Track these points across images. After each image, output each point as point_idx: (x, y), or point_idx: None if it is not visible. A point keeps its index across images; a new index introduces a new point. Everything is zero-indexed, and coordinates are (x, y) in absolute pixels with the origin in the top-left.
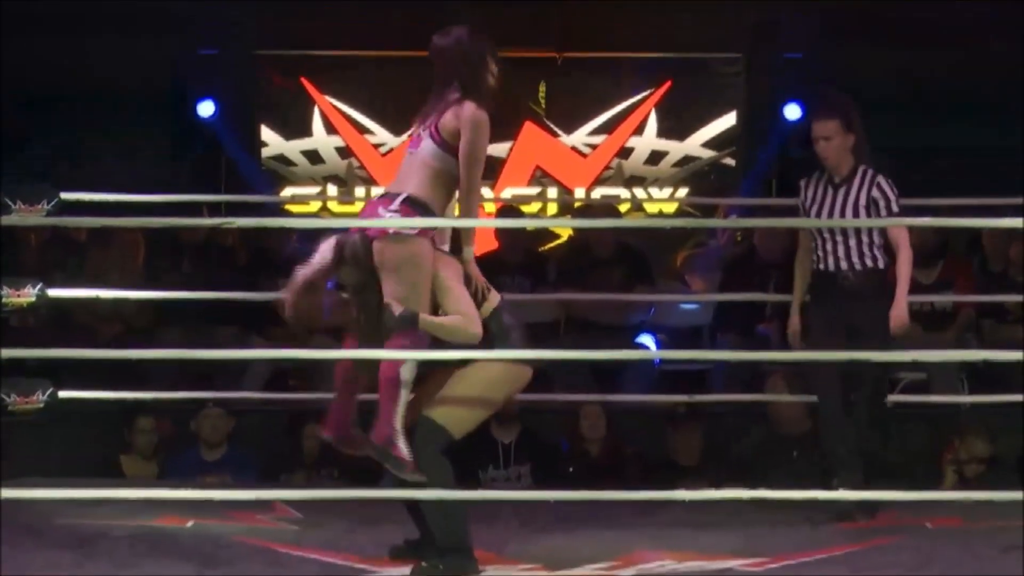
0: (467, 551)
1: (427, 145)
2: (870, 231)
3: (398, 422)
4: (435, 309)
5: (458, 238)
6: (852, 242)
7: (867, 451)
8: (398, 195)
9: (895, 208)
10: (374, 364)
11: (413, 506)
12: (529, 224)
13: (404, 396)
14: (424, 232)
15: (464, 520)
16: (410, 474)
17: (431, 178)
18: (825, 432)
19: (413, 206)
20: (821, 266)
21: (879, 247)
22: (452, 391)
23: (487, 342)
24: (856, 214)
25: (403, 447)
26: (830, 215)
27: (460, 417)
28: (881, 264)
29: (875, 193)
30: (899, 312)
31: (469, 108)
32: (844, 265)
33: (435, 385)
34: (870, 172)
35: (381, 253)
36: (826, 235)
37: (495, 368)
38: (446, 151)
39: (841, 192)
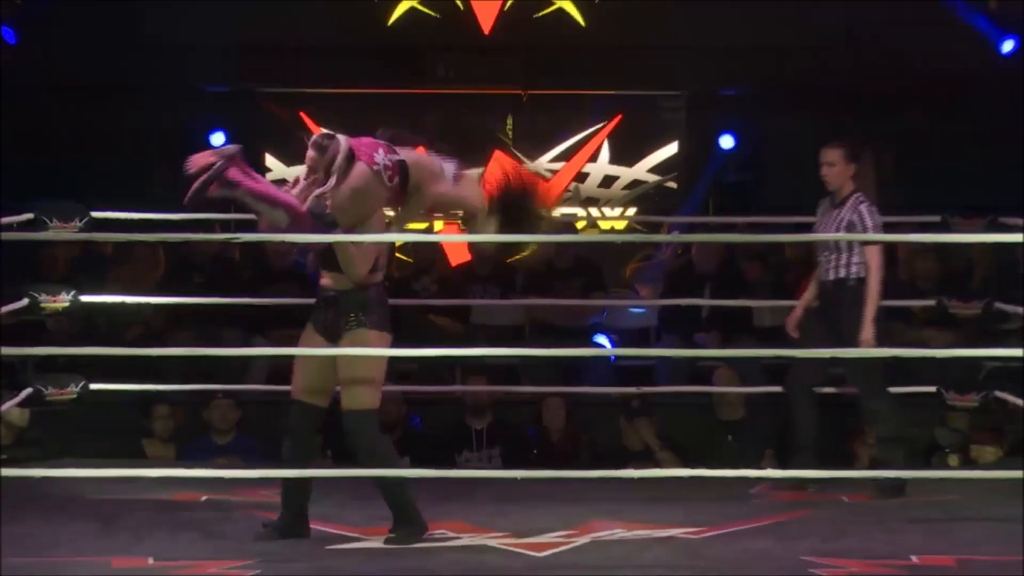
0: (417, 519)
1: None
2: (850, 248)
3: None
4: None
5: None
6: (832, 256)
7: (885, 436)
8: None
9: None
10: None
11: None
12: (497, 239)
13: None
14: (396, 193)
15: (408, 492)
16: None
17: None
18: (796, 417)
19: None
20: (820, 277)
21: (856, 263)
22: (350, 378)
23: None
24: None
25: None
26: (824, 232)
27: (370, 393)
28: (852, 276)
29: (854, 217)
30: (865, 336)
31: None
32: (827, 276)
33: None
34: (859, 198)
35: (357, 173)
36: (820, 250)
37: (372, 345)
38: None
39: (835, 213)
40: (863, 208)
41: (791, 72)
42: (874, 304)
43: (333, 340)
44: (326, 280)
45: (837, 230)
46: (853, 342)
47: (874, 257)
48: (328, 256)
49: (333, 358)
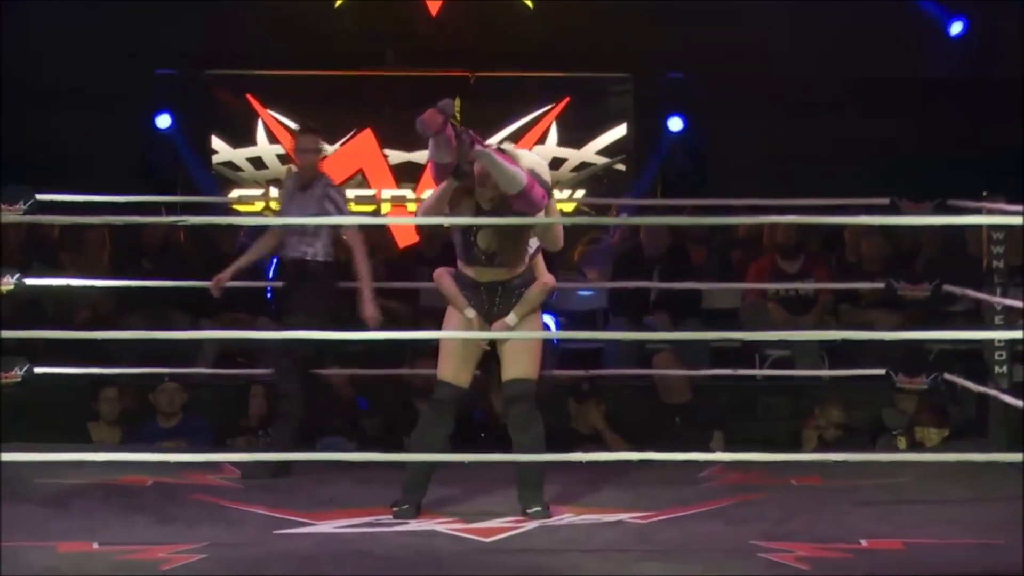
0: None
1: None
2: (317, 232)
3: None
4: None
5: None
6: (302, 237)
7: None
8: None
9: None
10: None
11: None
12: (446, 222)
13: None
14: None
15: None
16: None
17: None
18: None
19: None
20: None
21: (325, 247)
22: (518, 353)
23: None
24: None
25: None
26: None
27: (535, 367)
28: (317, 259)
29: (326, 203)
30: (369, 314)
31: None
32: (292, 255)
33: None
34: (327, 183)
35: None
36: (287, 231)
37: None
38: None
39: (302, 195)
40: (332, 191)
41: (743, 57)
42: (368, 282)
43: (492, 323)
44: (482, 271)
45: (310, 212)
46: (302, 323)
47: (356, 238)
48: (499, 244)
49: (481, 341)
